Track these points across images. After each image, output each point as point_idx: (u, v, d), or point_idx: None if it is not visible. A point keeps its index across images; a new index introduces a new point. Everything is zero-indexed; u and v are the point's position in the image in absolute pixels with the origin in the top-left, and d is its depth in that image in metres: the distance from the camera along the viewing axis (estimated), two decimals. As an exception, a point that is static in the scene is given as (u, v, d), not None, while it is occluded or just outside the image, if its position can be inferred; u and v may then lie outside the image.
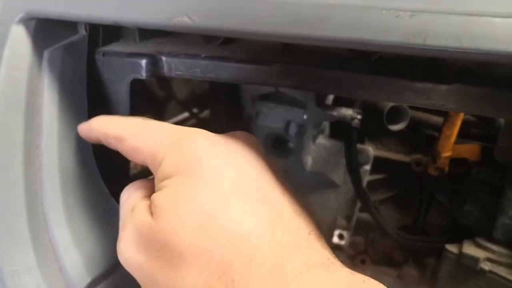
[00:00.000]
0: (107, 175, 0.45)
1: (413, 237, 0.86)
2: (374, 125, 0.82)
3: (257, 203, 0.29)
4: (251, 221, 0.28)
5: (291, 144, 0.83)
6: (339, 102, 0.77)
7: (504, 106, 0.30)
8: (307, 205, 0.33)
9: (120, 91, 0.42)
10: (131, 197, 0.33)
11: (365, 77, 0.34)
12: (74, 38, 0.42)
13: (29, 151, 0.40)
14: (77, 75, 0.42)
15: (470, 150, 0.80)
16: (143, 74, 0.40)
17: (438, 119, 0.84)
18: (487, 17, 0.23)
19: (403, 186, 0.91)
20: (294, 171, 0.86)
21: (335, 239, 0.89)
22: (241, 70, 0.38)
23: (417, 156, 0.87)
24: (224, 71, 0.38)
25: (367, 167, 0.87)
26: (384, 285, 0.27)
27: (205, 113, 1.04)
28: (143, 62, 0.40)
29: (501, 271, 0.71)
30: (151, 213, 0.30)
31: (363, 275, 0.27)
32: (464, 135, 0.80)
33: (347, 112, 0.73)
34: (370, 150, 0.87)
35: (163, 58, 0.40)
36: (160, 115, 0.96)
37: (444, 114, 0.79)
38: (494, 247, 0.73)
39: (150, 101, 0.94)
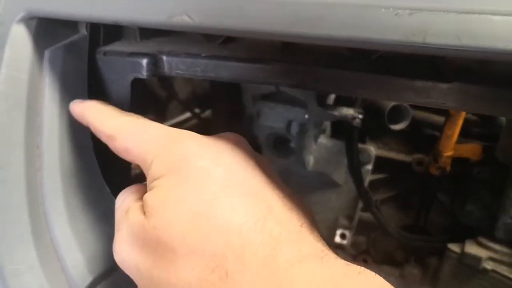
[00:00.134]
0: (108, 174, 0.45)
1: (414, 236, 0.86)
2: (375, 124, 0.82)
3: (247, 198, 0.30)
4: (241, 214, 0.28)
5: (292, 144, 0.83)
6: (340, 101, 0.77)
7: (504, 104, 0.30)
8: (300, 199, 0.33)
9: (121, 90, 0.42)
10: (125, 200, 0.34)
11: (365, 76, 0.34)
12: (75, 37, 0.42)
13: (30, 150, 0.40)
14: (78, 74, 0.42)
15: (471, 150, 0.80)
16: (144, 74, 0.40)
17: (439, 119, 0.83)
18: (486, 15, 0.23)
19: (404, 186, 0.91)
20: (295, 171, 0.86)
21: (337, 239, 0.90)
22: (242, 69, 0.38)
23: (418, 156, 0.87)
24: (225, 70, 0.38)
25: (369, 167, 0.87)
26: None
27: (207, 113, 1.04)
28: (144, 61, 0.40)
29: (504, 270, 0.71)
30: (144, 213, 0.31)
31: (358, 266, 0.27)
32: (465, 134, 0.80)
33: (348, 111, 0.73)
34: (372, 149, 0.87)
35: (164, 58, 0.40)
36: (161, 115, 0.96)
37: (446, 113, 0.79)
38: (497, 247, 0.73)
39: (151, 101, 0.94)
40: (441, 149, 0.79)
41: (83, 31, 0.43)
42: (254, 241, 0.27)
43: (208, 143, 0.33)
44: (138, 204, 0.32)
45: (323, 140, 0.85)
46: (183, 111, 1.02)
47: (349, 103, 0.75)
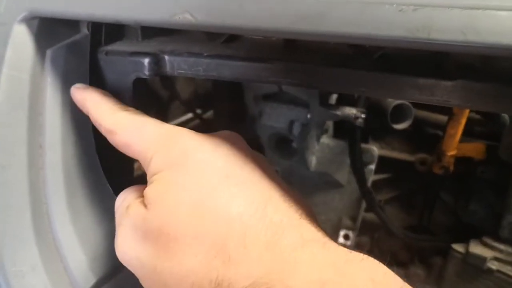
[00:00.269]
0: (111, 174, 0.45)
1: (419, 236, 0.86)
2: (378, 124, 0.82)
3: (246, 187, 0.30)
4: (241, 202, 0.29)
5: (294, 144, 0.83)
6: (343, 101, 0.77)
7: (508, 101, 0.30)
8: (298, 195, 0.33)
9: (123, 90, 0.42)
10: (126, 199, 0.34)
11: (368, 74, 0.34)
12: (76, 37, 0.42)
13: (32, 150, 0.40)
14: (80, 74, 0.42)
15: (475, 149, 0.80)
16: (146, 73, 0.40)
17: (442, 118, 0.83)
18: (491, 10, 0.23)
19: (407, 186, 0.91)
20: (297, 171, 0.86)
21: (341, 240, 0.89)
22: (244, 68, 0.38)
23: (421, 156, 0.87)
24: (227, 69, 0.38)
25: (372, 167, 0.86)
26: None
27: (209, 113, 1.04)
28: (146, 61, 0.40)
29: (509, 270, 0.70)
30: (145, 206, 0.31)
31: (361, 253, 0.27)
32: (468, 133, 0.80)
33: (351, 111, 0.73)
34: (375, 149, 0.86)
35: (166, 57, 0.40)
36: (163, 115, 0.96)
37: (448, 112, 0.79)
38: (501, 246, 0.72)
39: (153, 102, 0.94)
40: (444, 149, 0.79)
41: (85, 31, 0.42)
42: (256, 226, 0.28)
43: (206, 138, 0.33)
44: (138, 200, 0.32)
45: (325, 140, 0.85)
46: (185, 112, 1.02)
47: (352, 103, 0.75)
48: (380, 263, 0.27)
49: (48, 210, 0.41)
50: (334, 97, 0.78)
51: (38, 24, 0.39)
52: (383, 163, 0.87)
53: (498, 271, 0.71)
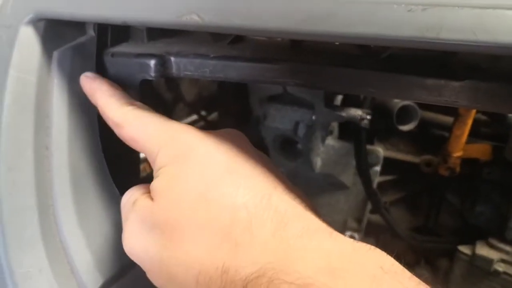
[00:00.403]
0: (117, 175, 0.45)
1: (424, 238, 0.85)
2: (383, 125, 0.82)
3: (250, 178, 0.30)
4: (246, 192, 0.29)
5: (299, 146, 0.83)
6: (348, 102, 0.76)
7: (517, 102, 0.30)
8: (301, 192, 0.34)
9: (129, 91, 0.42)
10: (133, 195, 0.34)
11: (375, 74, 0.34)
12: (82, 39, 0.42)
13: (39, 152, 0.40)
14: (86, 76, 0.42)
15: (481, 150, 0.80)
16: (152, 75, 0.40)
17: (448, 119, 0.83)
18: (501, 9, 0.22)
19: (413, 187, 0.90)
20: (303, 172, 0.85)
21: (345, 241, 0.89)
22: (250, 69, 0.37)
23: (427, 157, 0.86)
24: (233, 70, 0.38)
25: (377, 168, 0.86)
26: None
27: (213, 115, 1.04)
28: (152, 62, 0.39)
29: (515, 272, 0.70)
30: (151, 199, 0.32)
31: (368, 245, 0.27)
32: (474, 134, 0.80)
33: (356, 112, 0.73)
34: (380, 151, 0.86)
35: (172, 59, 0.40)
36: (168, 117, 0.96)
37: (454, 113, 0.78)
38: (508, 248, 0.72)
39: (158, 104, 0.94)
40: (450, 150, 0.79)
41: (91, 32, 0.42)
42: (261, 215, 0.28)
43: (209, 135, 0.34)
44: (145, 195, 0.33)
45: (330, 141, 0.85)
46: (189, 114, 1.02)
47: (357, 104, 0.75)
48: (388, 255, 0.27)
49: (55, 212, 0.41)
50: (339, 98, 0.78)
51: (44, 26, 0.39)
52: (389, 165, 0.87)
53: (505, 273, 0.71)
